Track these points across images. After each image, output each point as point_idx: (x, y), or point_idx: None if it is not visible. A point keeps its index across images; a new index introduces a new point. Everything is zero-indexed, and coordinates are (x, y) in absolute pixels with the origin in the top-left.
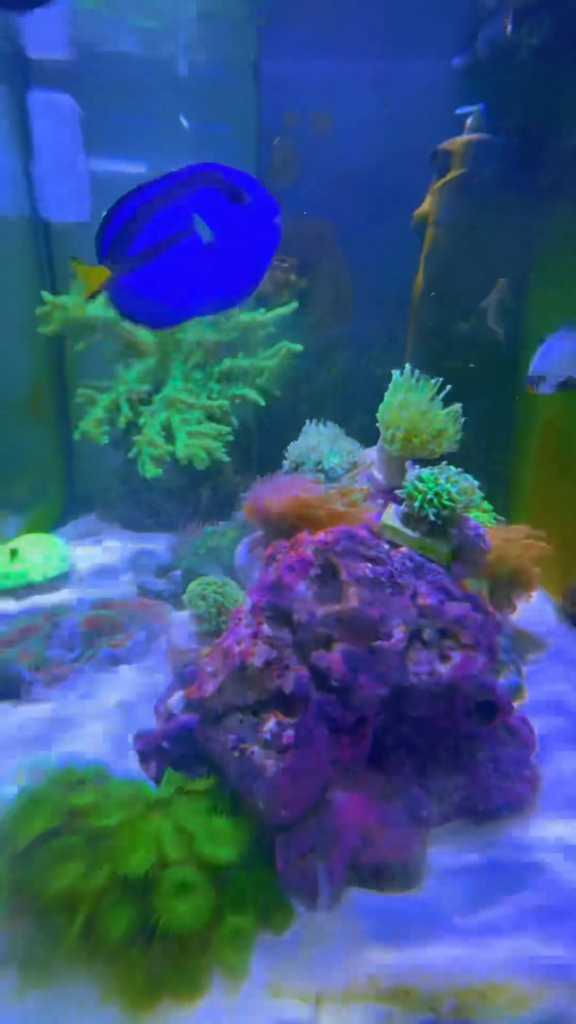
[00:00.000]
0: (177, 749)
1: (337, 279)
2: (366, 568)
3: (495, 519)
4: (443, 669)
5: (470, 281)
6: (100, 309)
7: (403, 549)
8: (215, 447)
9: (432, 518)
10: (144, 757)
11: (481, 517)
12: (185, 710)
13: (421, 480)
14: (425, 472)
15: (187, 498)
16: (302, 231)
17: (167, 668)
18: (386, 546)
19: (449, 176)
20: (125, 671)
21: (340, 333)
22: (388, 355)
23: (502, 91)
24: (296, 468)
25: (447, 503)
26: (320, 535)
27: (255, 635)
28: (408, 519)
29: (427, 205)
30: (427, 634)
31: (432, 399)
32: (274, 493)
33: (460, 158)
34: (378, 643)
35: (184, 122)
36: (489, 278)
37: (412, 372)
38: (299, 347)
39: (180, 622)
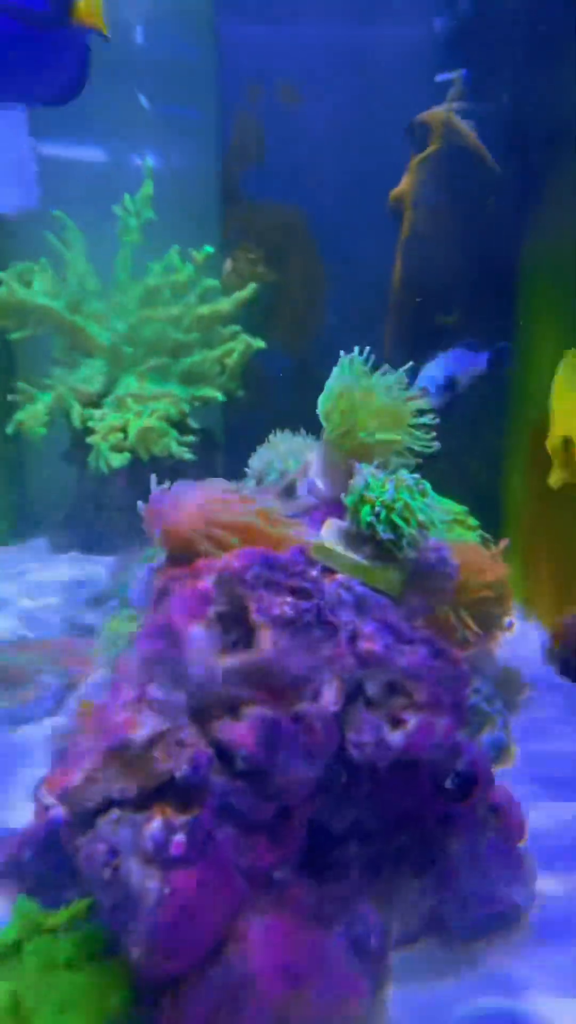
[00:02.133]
0: (43, 862)
1: (308, 271)
2: (285, 603)
3: (481, 537)
4: (394, 738)
5: (452, 269)
6: (40, 296)
7: (340, 577)
8: (172, 413)
9: (380, 536)
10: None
11: (465, 535)
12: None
13: (367, 487)
14: (372, 477)
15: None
16: (269, 218)
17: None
18: (316, 573)
19: (427, 151)
20: (25, 735)
21: (312, 332)
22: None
23: (487, 54)
24: (259, 481)
25: (399, 517)
26: (225, 559)
27: (140, 698)
28: (350, 537)
29: (404, 184)
30: (371, 690)
31: (389, 387)
32: (177, 503)
33: (439, 131)
34: (302, 706)
35: (144, 102)
36: (474, 265)
37: (363, 354)
38: (261, 343)
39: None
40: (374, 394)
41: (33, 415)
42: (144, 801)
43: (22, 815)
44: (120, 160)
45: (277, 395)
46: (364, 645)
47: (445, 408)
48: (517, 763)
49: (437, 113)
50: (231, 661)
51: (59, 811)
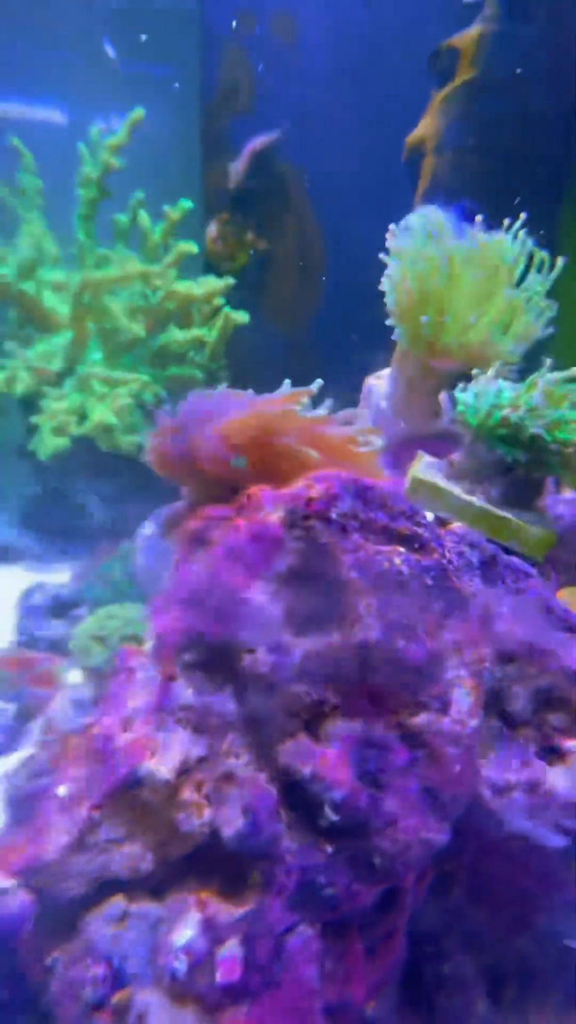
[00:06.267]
0: None
1: (305, 238)
2: (395, 556)
3: None
4: (552, 780)
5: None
6: None
7: (457, 527)
8: (146, 398)
9: (521, 463)
10: None
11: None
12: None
13: (478, 396)
14: (489, 386)
15: (109, 511)
16: (261, 177)
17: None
18: (429, 516)
19: (454, 83)
20: None
21: (310, 306)
22: (370, 335)
23: None
24: None
25: (558, 435)
26: (298, 486)
27: (159, 708)
28: (463, 472)
29: (424, 126)
30: (516, 702)
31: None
32: (210, 415)
33: (470, 58)
34: (424, 719)
35: (110, 50)
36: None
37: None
38: (244, 315)
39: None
40: (486, 260)
41: None
42: (167, 881)
43: None
44: (86, 121)
45: (267, 377)
46: (504, 627)
47: None
48: None
49: (468, 36)
50: (312, 643)
51: (18, 901)
